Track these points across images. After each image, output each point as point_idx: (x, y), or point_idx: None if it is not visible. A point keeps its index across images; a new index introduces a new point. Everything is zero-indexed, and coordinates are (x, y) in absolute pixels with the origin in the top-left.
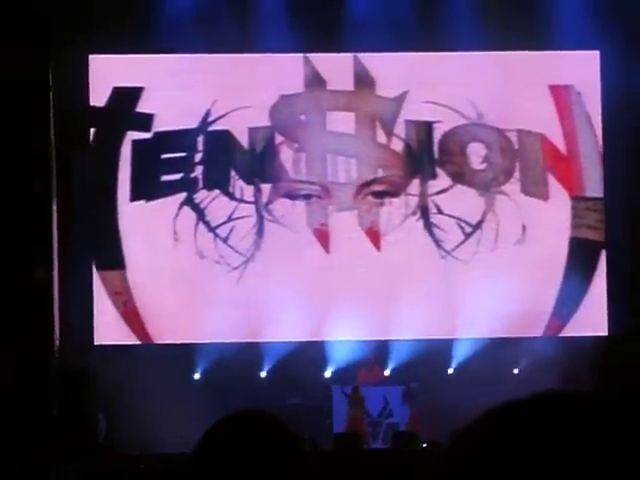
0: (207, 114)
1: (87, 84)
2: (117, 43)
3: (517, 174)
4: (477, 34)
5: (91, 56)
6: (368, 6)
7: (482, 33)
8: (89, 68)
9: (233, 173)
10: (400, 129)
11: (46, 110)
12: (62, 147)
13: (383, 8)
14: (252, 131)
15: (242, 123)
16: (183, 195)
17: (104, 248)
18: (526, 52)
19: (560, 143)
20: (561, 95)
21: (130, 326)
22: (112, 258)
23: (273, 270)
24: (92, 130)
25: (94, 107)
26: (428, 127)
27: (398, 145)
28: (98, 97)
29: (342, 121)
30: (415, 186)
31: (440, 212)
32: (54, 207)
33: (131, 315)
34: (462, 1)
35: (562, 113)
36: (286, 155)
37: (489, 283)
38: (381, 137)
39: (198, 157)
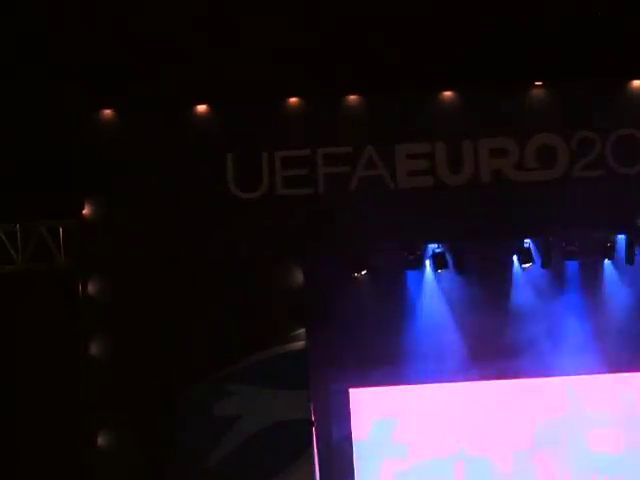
0: (461, 443)
1: (348, 416)
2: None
3: None
4: None
5: (351, 390)
6: None
7: None
8: (349, 401)
9: None
10: None
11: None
12: None
13: None
14: (514, 458)
15: (501, 449)
16: None
17: None
18: None
19: None
20: None
21: None
22: None
23: None
24: (355, 459)
25: (356, 440)
26: None
27: None
28: (358, 429)
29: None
30: None
31: None
32: None
33: None
34: None
35: None
36: None
37: None
38: None
39: None
